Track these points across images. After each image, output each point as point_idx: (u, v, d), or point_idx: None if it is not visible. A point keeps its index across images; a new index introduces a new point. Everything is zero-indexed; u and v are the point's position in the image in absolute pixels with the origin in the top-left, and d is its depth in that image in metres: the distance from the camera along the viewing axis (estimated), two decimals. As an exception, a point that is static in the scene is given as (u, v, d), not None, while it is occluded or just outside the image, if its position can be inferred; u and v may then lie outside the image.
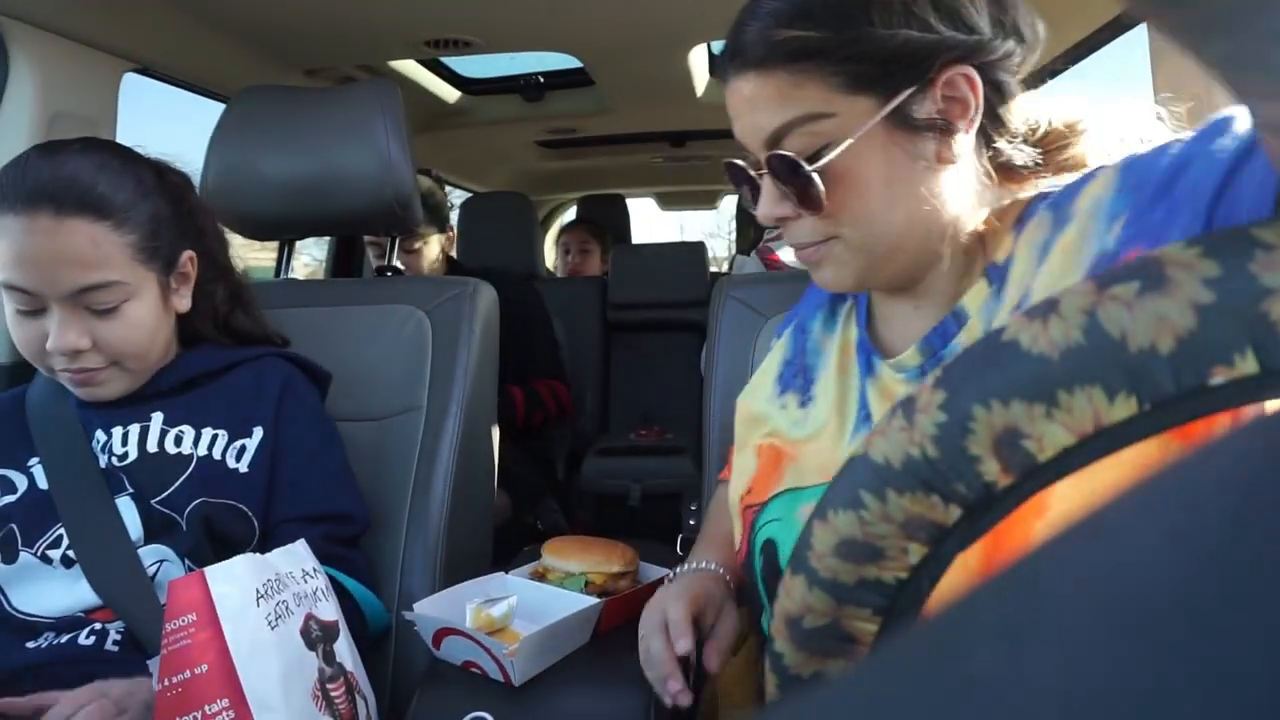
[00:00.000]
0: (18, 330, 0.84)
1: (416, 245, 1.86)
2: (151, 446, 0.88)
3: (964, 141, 0.60)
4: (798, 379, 0.75)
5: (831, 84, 0.58)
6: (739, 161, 0.66)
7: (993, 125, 0.62)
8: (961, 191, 0.62)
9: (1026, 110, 0.63)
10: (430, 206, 1.85)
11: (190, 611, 0.67)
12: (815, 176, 0.59)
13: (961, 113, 0.59)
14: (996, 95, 0.61)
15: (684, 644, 0.67)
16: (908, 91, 0.58)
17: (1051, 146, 0.65)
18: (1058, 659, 0.13)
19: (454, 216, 2.35)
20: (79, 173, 0.82)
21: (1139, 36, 1.22)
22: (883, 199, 0.60)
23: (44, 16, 1.20)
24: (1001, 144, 0.62)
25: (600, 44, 1.77)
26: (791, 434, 0.72)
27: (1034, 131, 0.64)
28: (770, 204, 0.63)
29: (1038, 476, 0.28)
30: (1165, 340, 0.25)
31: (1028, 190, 0.65)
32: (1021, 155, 0.63)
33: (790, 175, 0.60)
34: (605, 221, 3.25)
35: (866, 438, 0.31)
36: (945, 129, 0.59)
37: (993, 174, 0.63)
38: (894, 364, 0.67)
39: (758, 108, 0.61)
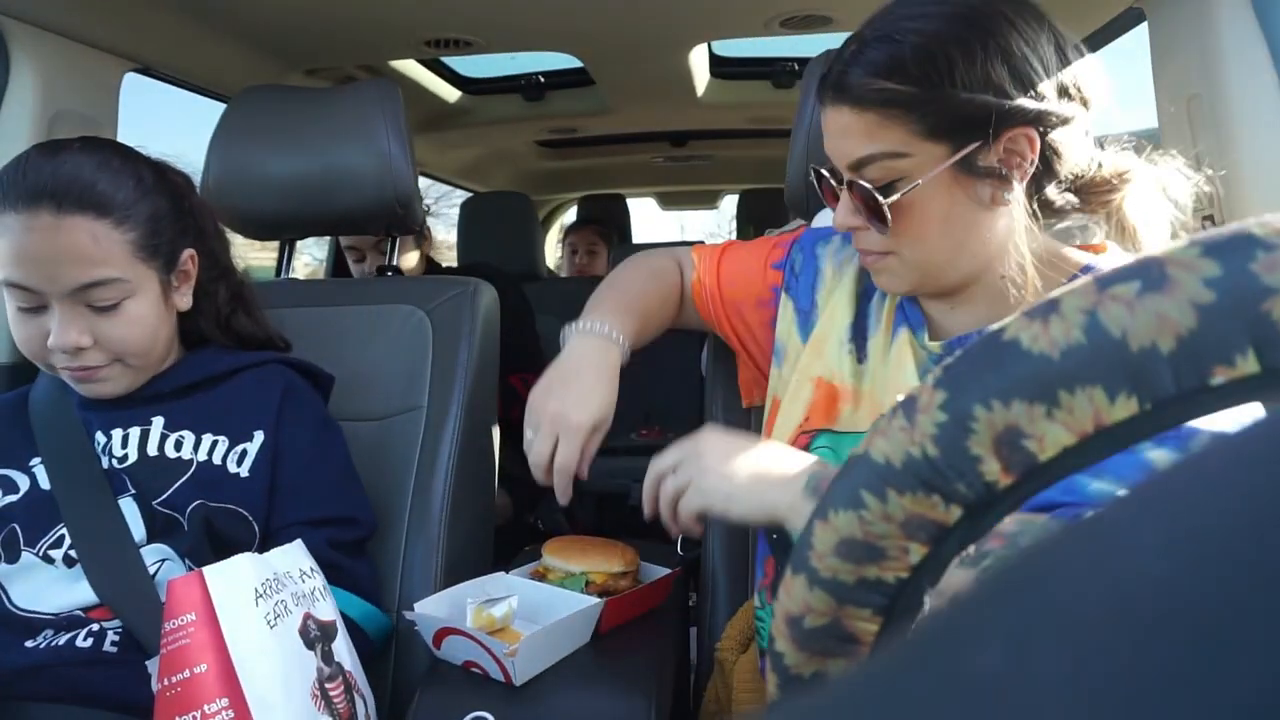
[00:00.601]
0: (19, 328, 0.84)
1: (404, 261, 1.83)
2: (151, 450, 0.88)
3: (1017, 189, 0.69)
4: (858, 338, 0.85)
5: (912, 130, 0.68)
6: (825, 172, 0.77)
7: (1045, 175, 0.70)
8: (1007, 229, 0.72)
9: (1079, 161, 0.71)
10: None
11: (189, 611, 0.67)
12: (885, 206, 0.70)
13: (1018, 165, 0.69)
14: (1053, 152, 0.69)
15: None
16: (975, 145, 0.68)
17: (1097, 191, 0.74)
18: (1060, 660, 0.13)
19: (455, 215, 2.34)
20: (79, 171, 0.82)
21: (1139, 36, 1.22)
22: (939, 231, 0.71)
23: (45, 17, 1.20)
24: (1050, 190, 0.71)
25: (600, 44, 1.77)
26: (850, 381, 0.83)
27: (1082, 176, 0.72)
28: (846, 214, 0.75)
29: (1038, 476, 0.28)
30: (1166, 340, 0.25)
31: (1063, 221, 0.75)
32: (1061, 199, 0.72)
33: (865, 198, 0.71)
34: (610, 221, 3.25)
35: (867, 437, 0.32)
36: (1002, 177, 0.69)
37: (1038, 213, 0.72)
38: (928, 347, 0.78)
39: (849, 136, 0.71)
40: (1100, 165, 0.73)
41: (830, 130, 0.74)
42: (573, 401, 0.83)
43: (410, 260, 1.88)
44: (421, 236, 1.93)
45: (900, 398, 0.31)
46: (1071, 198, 0.72)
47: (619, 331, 0.87)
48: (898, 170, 0.70)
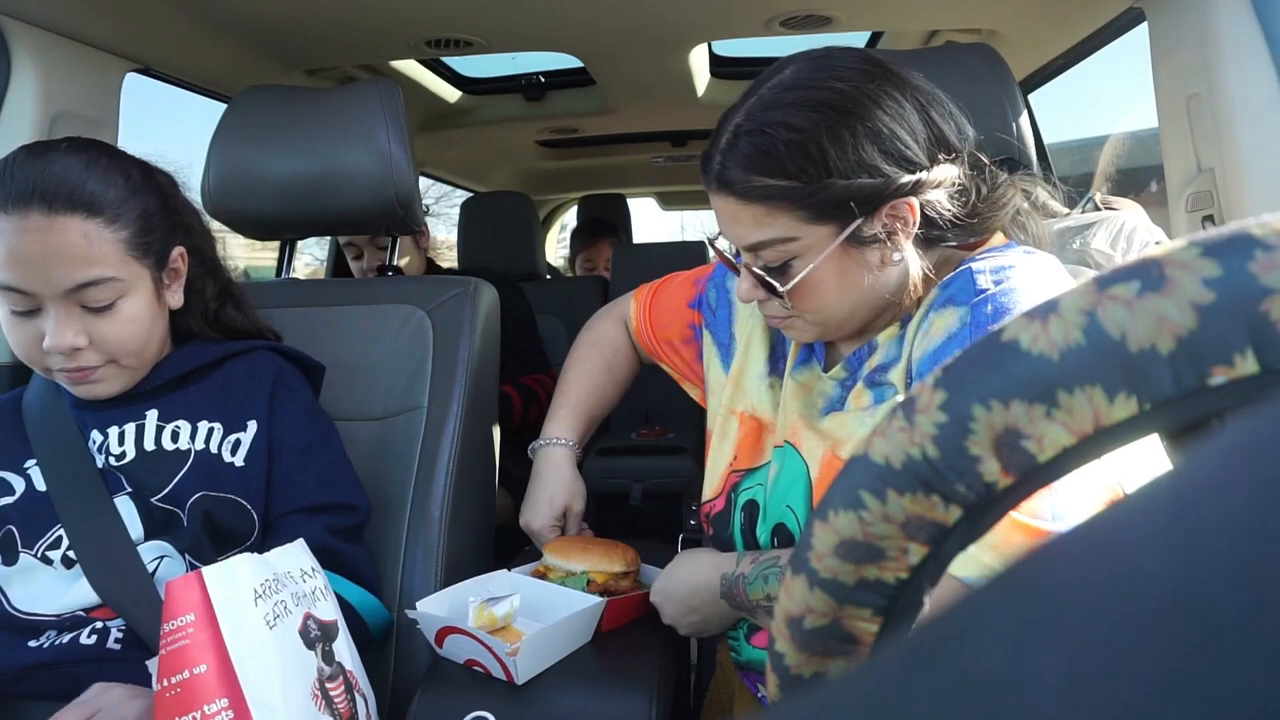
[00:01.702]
0: (13, 332, 0.84)
1: (401, 261, 1.83)
2: (149, 444, 0.88)
3: (906, 247, 0.74)
4: (780, 364, 0.91)
5: (798, 216, 0.72)
6: (722, 248, 0.83)
7: (931, 227, 0.75)
8: (898, 276, 0.76)
9: (960, 208, 0.76)
10: None
11: (188, 611, 0.67)
12: (781, 289, 0.75)
13: (902, 228, 0.73)
14: (933, 210, 0.74)
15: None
16: (859, 221, 0.72)
17: (981, 215, 0.78)
18: (1059, 660, 0.13)
19: (455, 215, 2.34)
20: (68, 170, 0.82)
21: (1140, 36, 1.22)
22: (835, 295, 0.76)
23: (46, 17, 1.20)
24: (933, 235, 0.76)
25: (601, 44, 1.77)
26: (772, 414, 0.89)
27: (965, 218, 0.76)
28: (749, 289, 0.79)
29: (1038, 476, 0.28)
30: (1165, 340, 0.25)
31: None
32: (945, 238, 0.77)
33: (763, 272, 0.76)
34: (617, 226, 3.25)
35: (867, 438, 0.32)
36: (888, 241, 0.73)
37: (924, 253, 0.76)
38: (830, 376, 0.84)
39: (738, 224, 0.75)
40: (982, 195, 0.77)
41: (720, 215, 0.78)
42: (543, 497, 1.02)
43: (407, 261, 1.88)
44: (420, 236, 1.92)
45: (900, 398, 0.31)
46: (955, 236, 0.77)
47: (566, 436, 1.05)
48: (790, 251, 0.74)
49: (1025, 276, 0.70)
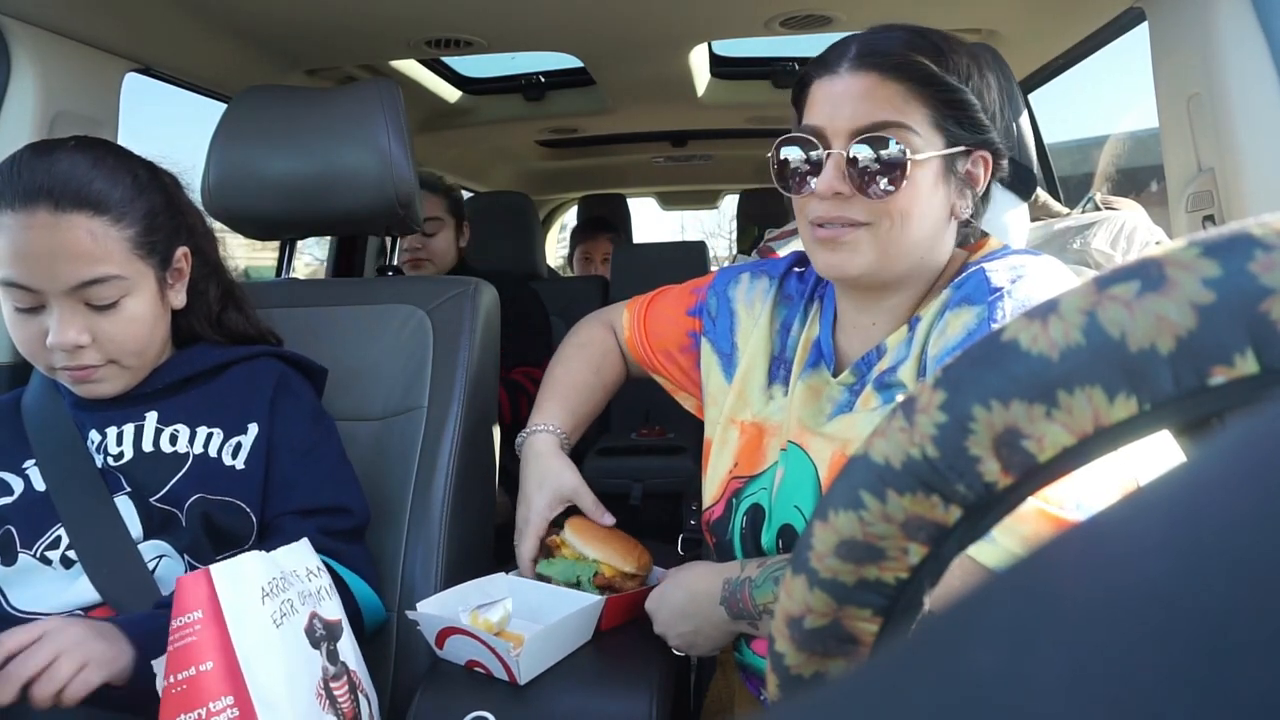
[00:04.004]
0: (16, 329, 0.84)
1: (435, 230, 1.91)
2: (147, 445, 0.88)
3: (965, 210, 0.79)
4: (781, 371, 0.90)
5: (926, 113, 0.74)
6: (812, 137, 0.77)
7: (982, 200, 0.81)
8: (950, 241, 0.81)
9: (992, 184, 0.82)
10: (455, 198, 1.99)
11: (196, 609, 0.67)
12: (905, 164, 0.73)
13: (975, 182, 0.79)
14: (991, 179, 0.80)
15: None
16: (961, 148, 0.76)
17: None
18: (1059, 661, 0.13)
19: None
20: (75, 169, 0.82)
21: (1140, 35, 1.22)
22: (919, 214, 0.76)
23: (46, 17, 1.20)
24: (977, 212, 0.82)
25: (601, 44, 1.77)
26: (776, 418, 0.88)
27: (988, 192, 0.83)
28: (835, 178, 0.75)
29: (1038, 476, 0.28)
30: (1165, 340, 0.25)
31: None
32: (971, 221, 0.82)
33: (869, 160, 0.74)
34: (617, 224, 3.25)
35: (867, 438, 0.32)
36: (962, 189, 0.78)
37: (955, 235, 0.81)
38: (839, 381, 0.84)
39: (869, 100, 0.74)
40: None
41: (847, 94, 0.75)
42: (533, 485, 0.96)
43: (447, 237, 1.94)
44: (459, 235, 1.98)
45: (900, 398, 0.31)
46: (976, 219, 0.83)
47: (552, 423, 1.00)
48: (909, 143, 0.74)
49: (1039, 276, 0.72)
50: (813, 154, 0.77)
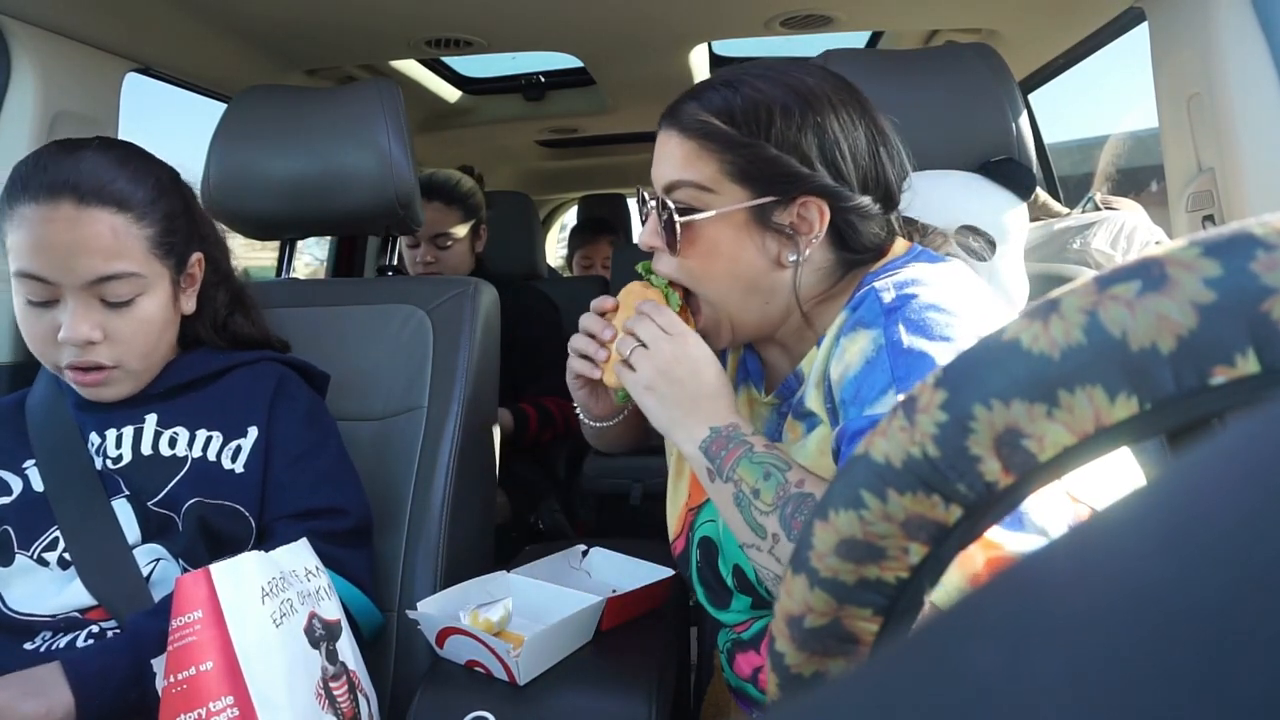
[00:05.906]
0: (28, 323, 0.85)
1: (449, 244, 1.78)
2: (146, 448, 0.88)
3: (803, 254, 0.75)
4: None
5: (722, 169, 0.74)
6: (645, 193, 0.82)
7: (840, 241, 0.76)
8: (797, 287, 0.77)
9: (871, 240, 0.77)
10: (472, 205, 1.82)
11: (196, 608, 0.67)
12: (678, 223, 0.76)
13: (806, 231, 0.75)
14: (847, 225, 0.75)
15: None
16: (772, 198, 0.74)
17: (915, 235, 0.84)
18: (1058, 661, 0.13)
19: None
20: (101, 166, 0.84)
21: (1140, 35, 1.22)
22: (725, 270, 0.76)
23: (46, 17, 1.20)
24: (847, 253, 0.77)
25: (601, 44, 1.77)
26: None
27: (875, 247, 0.78)
28: (648, 233, 0.80)
29: (1038, 476, 0.28)
30: (1166, 340, 0.25)
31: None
32: (856, 258, 0.78)
33: (665, 216, 0.77)
34: (617, 225, 3.24)
35: (867, 438, 0.32)
36: (789, 238, 0.75)
37: (839, 266, 0.78)
38: (765, 401, 0.84)
39: (668, 161, 0.77)
40: (895, 227, 0.81)
41: (657, 153, 0.79)
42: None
43: (462, 250, 1.82)
44: (477, 239, 1.87)
45: (900, 398, 0.31)
46: (869, 254, 0.78)
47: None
48: (702, 201, 0.75)
49: (930, 288, 0.69)
50: (650, 207, 0.81)
